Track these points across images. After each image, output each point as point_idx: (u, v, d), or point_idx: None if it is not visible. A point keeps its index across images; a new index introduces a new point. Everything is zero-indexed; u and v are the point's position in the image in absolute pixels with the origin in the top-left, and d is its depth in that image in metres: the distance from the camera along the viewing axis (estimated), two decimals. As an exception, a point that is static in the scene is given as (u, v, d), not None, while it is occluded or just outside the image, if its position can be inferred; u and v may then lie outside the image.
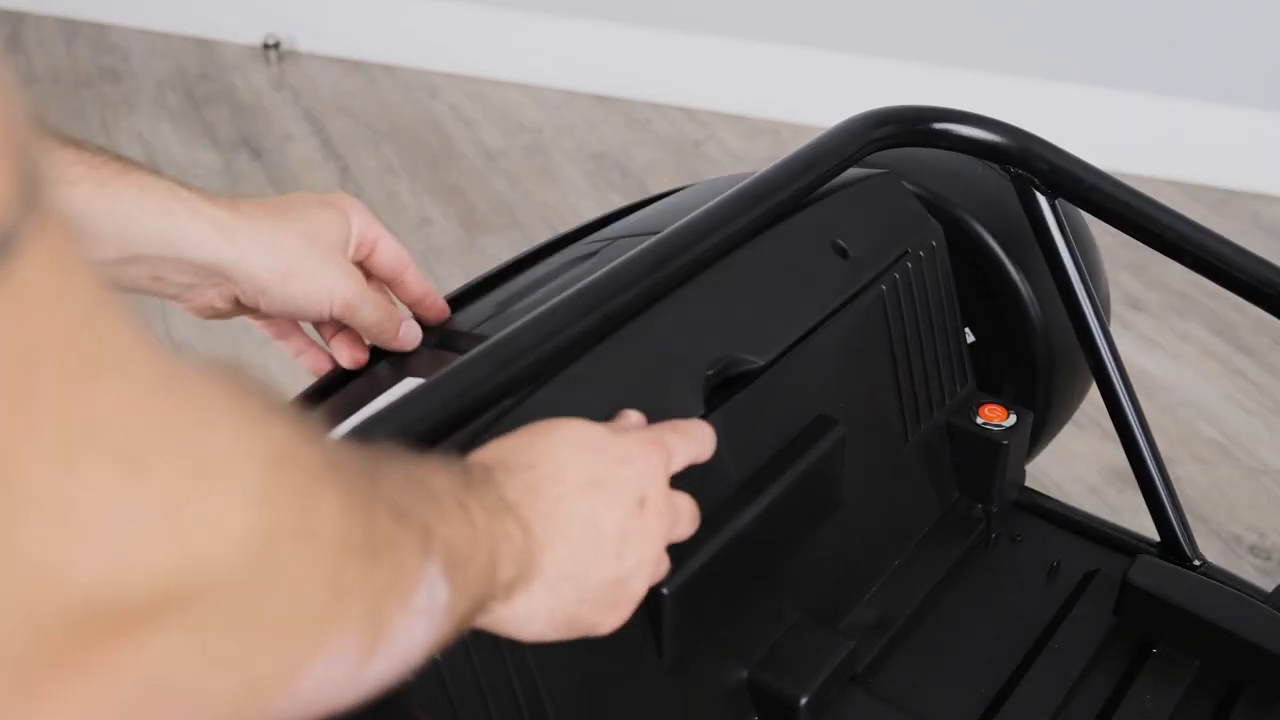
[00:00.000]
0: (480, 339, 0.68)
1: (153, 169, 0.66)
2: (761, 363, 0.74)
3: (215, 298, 0.69)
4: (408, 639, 0.40)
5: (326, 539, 0.35)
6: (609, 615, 0.54)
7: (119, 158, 0.64)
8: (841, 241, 0.82)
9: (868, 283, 0.83)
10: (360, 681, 0.38)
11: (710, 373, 0.72)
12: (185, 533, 0.29)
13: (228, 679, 0.32)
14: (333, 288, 0.69)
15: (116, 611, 0.27)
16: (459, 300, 0.81)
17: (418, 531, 0.41)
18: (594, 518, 0.52)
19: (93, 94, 2.66)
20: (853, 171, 0.88)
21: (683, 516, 0.58)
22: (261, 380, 0.35)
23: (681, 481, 0.71)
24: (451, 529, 0.44)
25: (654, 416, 0.69)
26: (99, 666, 0.27)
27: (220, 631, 0.31)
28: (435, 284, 2.14)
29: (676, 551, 0.69)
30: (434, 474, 0.46)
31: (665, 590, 0.67)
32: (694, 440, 0.60)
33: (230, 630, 0.31)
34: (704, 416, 0.71)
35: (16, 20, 3.00)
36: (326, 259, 0.69)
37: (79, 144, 0.63)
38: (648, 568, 0.55)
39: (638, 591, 0.55)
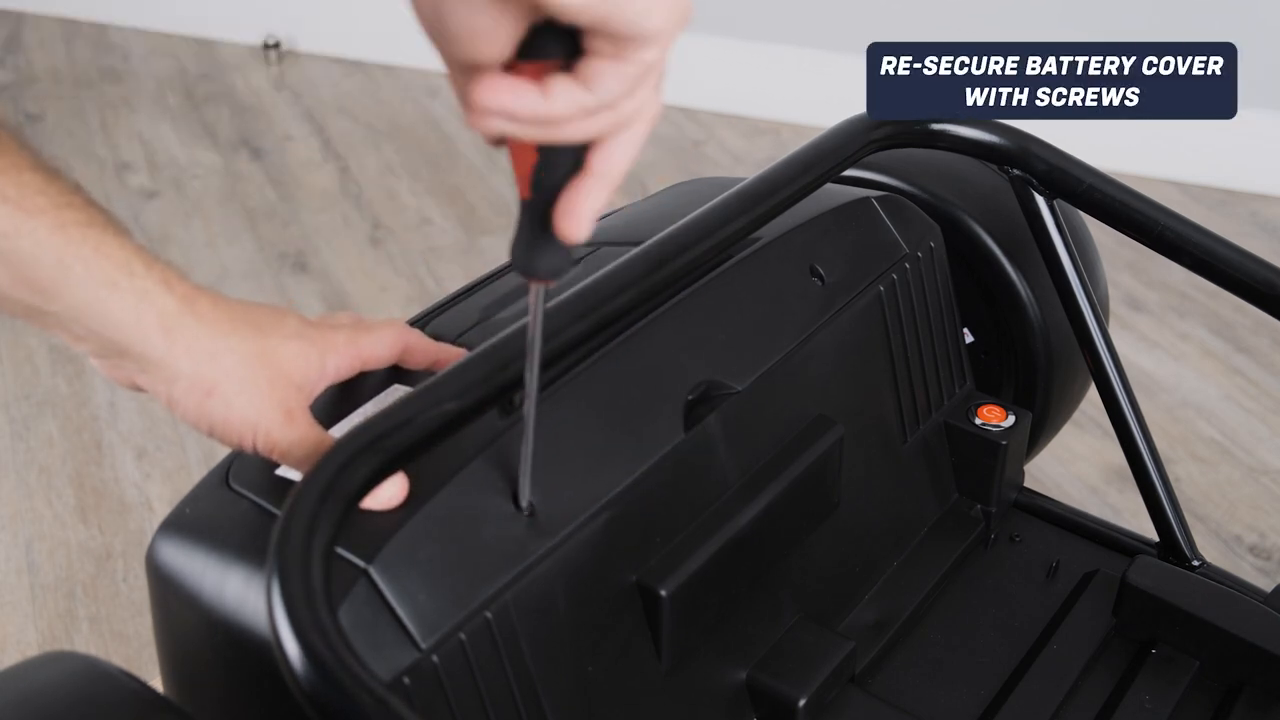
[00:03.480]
0: (463, 348, 0.69)
1: (120, 228, 0.58)
2: (740, 388, 0.75)
3: (137, 375, 0.60)
4: None
5: None
6: None
7: (90, 203, 0.57)
8: (819, 267, 0.82)
9: (842, 307, 0.83)
10: None
11: (691, 398, 0.73)
12: None
13: None
14: (256, 420, 0.60)
15: None
16: (443, 306, 0.81)
17: None
18: None
19: (93, 94, 2.66)
20: (835, 197, 0.88)
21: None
22: None
23: (680, 481, 0.71)
24: None
25: (634, 438, 0.69)
26: None
27: None
28: (435, 284, 2.11)
29: (676, 552, 0.70)
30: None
31: (664, 591, 0.67)
32: None
33: None
34: (690, 432, 0.71)
35: (16, 20, 3.00)
36: (259, 388, 0.60)
37: (52, 173, 0.56)
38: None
39: None
